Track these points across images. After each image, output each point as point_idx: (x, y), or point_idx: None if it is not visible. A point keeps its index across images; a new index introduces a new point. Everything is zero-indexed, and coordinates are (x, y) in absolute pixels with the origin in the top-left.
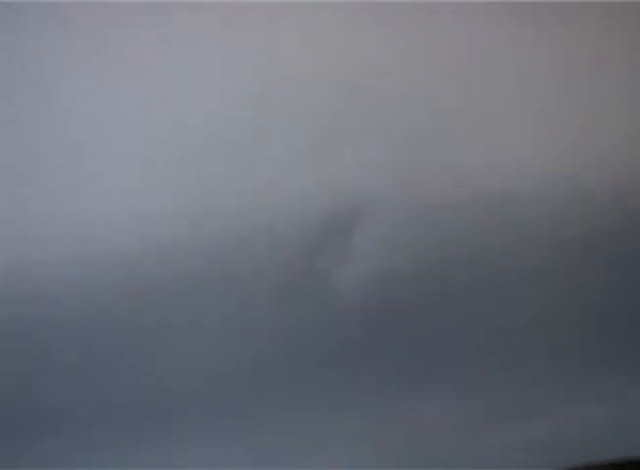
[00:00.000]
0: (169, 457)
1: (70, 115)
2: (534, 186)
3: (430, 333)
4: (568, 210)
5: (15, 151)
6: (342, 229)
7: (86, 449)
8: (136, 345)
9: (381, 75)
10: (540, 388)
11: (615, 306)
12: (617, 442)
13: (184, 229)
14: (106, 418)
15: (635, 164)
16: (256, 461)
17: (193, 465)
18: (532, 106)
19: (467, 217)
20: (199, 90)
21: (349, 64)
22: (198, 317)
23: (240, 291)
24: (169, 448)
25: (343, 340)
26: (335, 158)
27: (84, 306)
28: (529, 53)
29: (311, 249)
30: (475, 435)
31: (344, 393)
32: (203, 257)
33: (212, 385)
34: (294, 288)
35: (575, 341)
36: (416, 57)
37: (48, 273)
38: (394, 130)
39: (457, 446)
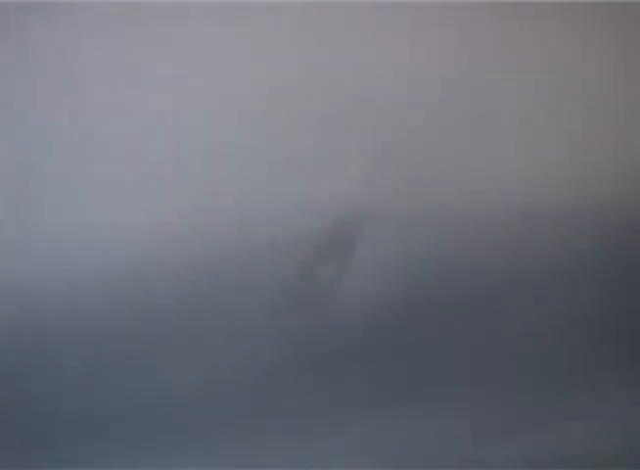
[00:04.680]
0: (169, 466)
1: (70, 127)
2: (535, 200)
3: (430, 344)
4: (568, 223)
5: (14, 165)
6: (344, 242)
7: (86, 457)
8: (137, 356)
9: (383, 90)
10: (541, 401)
11: (617, 318)
12: (620, 455)
13: (185, 242)
14: (106, 427)
15: (636, 175)
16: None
17: None
18: (534, 120)
19: (468, 231)
20: (200, 101)
21: (350, 77)
22: (198, 329)
23: (241, 303)
24: (169, 458)
25: (345, 351)
26: (336, 172)
27: (85, 318)
28: (532, 62)
29: (313, 262)
30: (476, 446)
31: (345, 404)
32: (203, 269)
33: (213, 396)
34: (295, 300)
35: (577, 354)
36: (415, 74)
37: (49, 286)
38: (396, 145)
39: (458, 457)
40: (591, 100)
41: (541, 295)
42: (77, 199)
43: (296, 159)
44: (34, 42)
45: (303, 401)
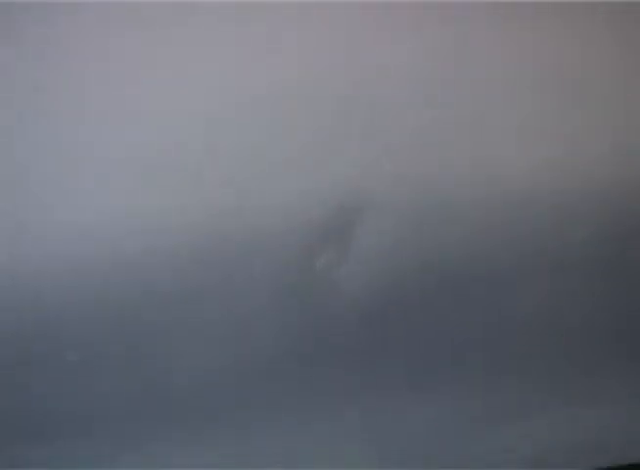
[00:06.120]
0: (169, 458)
1: (68, 120)
2: (534, 188)
3: (430, 333)
4: (567, 211)
5: (13, 157)
6: (343, 230)
7: (86, 451)
8: (136, 347)
9: (383, 79)
10: (540, 389)
11: (616, 307)
12: (618, 444)
13: (184, 231)
14: (105, 420)
15: (635, 165)
16: (257, 461)
17: (193, 466)
18: (533, 109)
19: (467, 219)
20: (199, 92)
21: (351, 68)
22: (198, 319)
23: (240, 292)
24: (169, 450)
25: (344, 340)
26: (336, 159)
27: (84, 311)
28: (530, 58)
29: (312, 250)
30: (474, 435)
31: (345, 392)
32: (203, 258)
33: (213, 387)
34: (294, 289)
35: (576, 342)
36: (418, 61)
37: (48, 278)
38: (395, 133)
39: (456, 447)
40: (591, 97)
41: (541, 283)
42: (77, 194)
43: (295, 149)
44: (34, 42)
45: (302, 390)
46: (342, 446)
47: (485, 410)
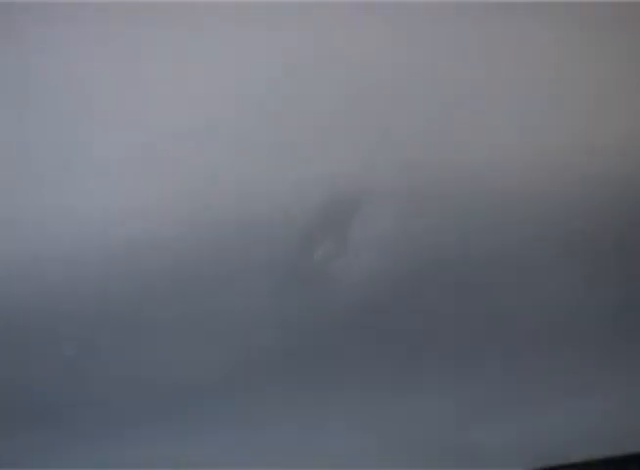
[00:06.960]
0: (168, 453)
1: (67, 111)
2: (534, 182)
3: (428, 325)
4: (568, 206)
5: (11, 148)
6: (341, 222)
7: (84, 444)
8: (135, 339)
9: (381, 71)
10: (538, 382)
11: (617, 300)
12: (616, 436)
13: (182, 222)
14: (104, 413)
15: (635, 160)
16: (256, 457)
17: (192, 462)
18: (534, 101)
19: (466, 211)
20: (197, 83)
21: (350, 58)
22: (196, 311)
23: (238, 284)
24: (169, 444)
25: (342, 331)
26: (334, 151)
27: (82, 301)
28: (530, 48)
29: (310, 241)
30: (474, 428)
31: (344, 384)
32: (200, 250)
33: (211, 379)
34: (292, 280)
35: (576, 335)
36: (416, 53)
37: (46, 269)
38: (394, 124)
39: (454, 441)
40: (591, 96)
41: (541, 275)
42: (76, 182)
43: (294, 138)
44: (34, 42)
45: (301, 383)
46: (342, 439)
47: (485, 403)
